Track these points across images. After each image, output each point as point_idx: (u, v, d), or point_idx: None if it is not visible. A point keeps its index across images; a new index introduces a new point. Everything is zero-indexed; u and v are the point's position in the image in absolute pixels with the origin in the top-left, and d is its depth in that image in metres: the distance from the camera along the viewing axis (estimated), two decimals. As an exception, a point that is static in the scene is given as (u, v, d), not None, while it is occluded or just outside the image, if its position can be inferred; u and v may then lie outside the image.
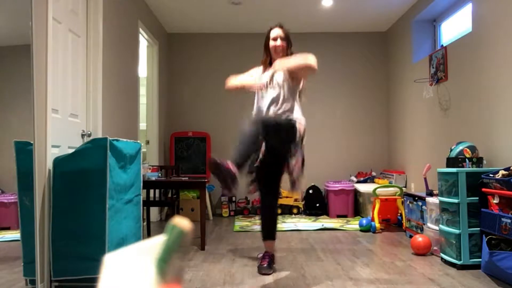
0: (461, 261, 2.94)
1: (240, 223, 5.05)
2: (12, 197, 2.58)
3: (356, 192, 5.51)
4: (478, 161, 3.30)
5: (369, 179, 5.61)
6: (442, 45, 4.39)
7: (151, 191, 4.48)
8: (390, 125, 6.01)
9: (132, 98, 4.40)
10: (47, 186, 2.48)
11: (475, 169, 3.20)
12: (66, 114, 2.96)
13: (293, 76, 2.88)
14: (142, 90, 5.11)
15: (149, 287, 1.12)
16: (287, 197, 5.59)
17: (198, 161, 5.78)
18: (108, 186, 2.47)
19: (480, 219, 2.90)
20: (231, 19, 5.51)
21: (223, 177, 2.33)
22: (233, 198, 5.69)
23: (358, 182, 5.60)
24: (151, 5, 5.00)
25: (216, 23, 5.68)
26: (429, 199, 3.52)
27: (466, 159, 3.29)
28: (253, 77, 3.07)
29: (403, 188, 4.78)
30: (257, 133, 2.59)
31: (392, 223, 4.61)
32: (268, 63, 3.03)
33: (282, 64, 2.77)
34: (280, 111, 2.86)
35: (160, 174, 4.12)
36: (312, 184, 5.75)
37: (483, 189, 2.89)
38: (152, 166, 4.25)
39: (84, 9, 3.29)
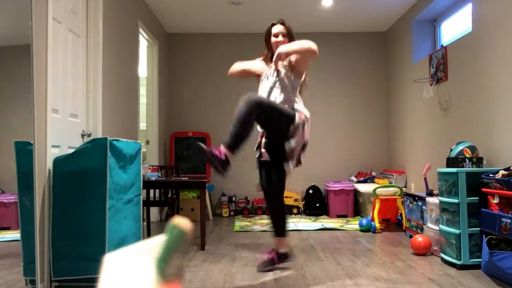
0: (461, 261, 2.95)
1: (240, 223, 5.05)
2: (12, 197, 2.58)
3: (356, 192, 5.51)
4: (478, 161, 3.30)
5: (369, 179, 5.61)
6: (442, 45, 4.39)
7: (151, 191, 4.49)
8: (390, 125, 6.01)
9: (132, 98, 4.40)
10: (47, 186, 2.48)
11: (475, 169, 3.20)
12: (66, 114, 2.96)
13: (295, 66, 2.89)
14: (142, 90, 5.11)
15: (149, 287, 1.12)
16: (287, 197, 5.58)
17: (198, 161, 5.78)
18: (108, 186, 2.47)
19: (480, 219, 2.90)
20: (231, 19, 5.51)
21: (213, 163, 2.48)
22: (233, 198, 5.70)
23: (358, 182, 5.60)
24: (151, 5, 5.00)
25: (216, 23, 5.69)
26: (429, 199, 3.52)
27: (466, 159, 3.29)
28: (256, 66, 3.10)
29: (403, 188, 4.78)
30: (251, 113, 2.55)
31: (392, 223, 4.61)
32: (269, 58, 3.05)
33: (285, 48, 2.78)
34: (279, 102, 2.86)
35: (160, 174, 4.12)
36: (312, 184, 5.75)
37: (483, 189, 2.89)
38: (152, 166, 4.25)
39: (84, 9, 3.29)
